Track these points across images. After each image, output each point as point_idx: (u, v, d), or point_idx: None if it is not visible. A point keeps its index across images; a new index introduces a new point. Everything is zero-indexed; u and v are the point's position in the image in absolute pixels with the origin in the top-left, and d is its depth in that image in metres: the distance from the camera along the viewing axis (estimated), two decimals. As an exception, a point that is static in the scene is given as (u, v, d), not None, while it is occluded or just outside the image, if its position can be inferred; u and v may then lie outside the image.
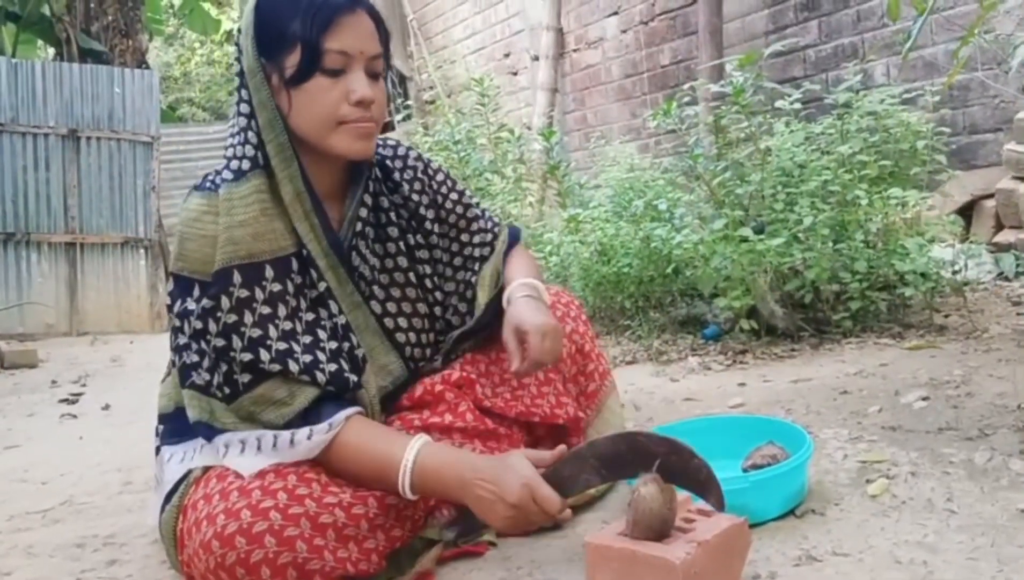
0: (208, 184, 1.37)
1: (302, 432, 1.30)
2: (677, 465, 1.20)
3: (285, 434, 1.31)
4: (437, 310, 1.60)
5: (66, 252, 6.91)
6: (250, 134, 1.37)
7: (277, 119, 1.36)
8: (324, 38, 1.32)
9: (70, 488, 2.15)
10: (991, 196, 3.64)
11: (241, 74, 1.39)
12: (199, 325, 1.32)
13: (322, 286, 1.40)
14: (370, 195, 1.51)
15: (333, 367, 1.37)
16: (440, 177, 1.64)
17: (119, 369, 4.74)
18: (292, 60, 1.33)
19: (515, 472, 1.25)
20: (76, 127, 6.94)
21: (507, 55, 7.38)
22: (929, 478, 1.50)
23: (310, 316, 1.39)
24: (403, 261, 1.55)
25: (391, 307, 1.53)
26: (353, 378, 1.39)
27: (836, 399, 2.08)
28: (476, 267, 1.64)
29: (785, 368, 2.52)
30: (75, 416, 3.27)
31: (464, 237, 1.65)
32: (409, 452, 1.29)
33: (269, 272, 1.35)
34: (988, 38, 3.12)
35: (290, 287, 1.37)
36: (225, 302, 1.31)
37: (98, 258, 7.00)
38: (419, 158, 1.63)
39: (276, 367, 1.31)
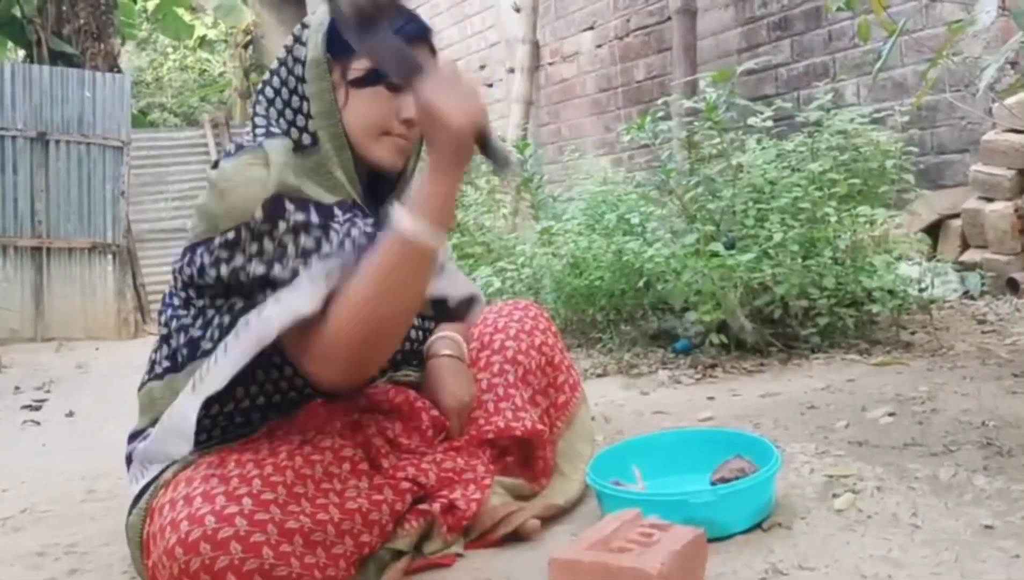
0: (246, 145, 1.39)
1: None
2: None
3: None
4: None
5: (32, 257, 6.80)
6: (288, 108, 1.41)
7: (334, 109, 1.40)
8: None
9: (31, 496, 2.11)
10: (958, 216, 3.69)
11: (296, 60, 1.42)
12: (254, 247, 1.29)
13: (369, 225, 1.40)
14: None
15: None
16: None
17: (84, 376, 4.67)
18: (360, 64, 1.39)
19: (419, 114, 1.25)
20: (45, 130, 6.84)
21: (482, 67, 7.39)
22: (894, 493, 1.52)
23: None
24: None
25: None
26: None
27: (804, 414, 2.10)
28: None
29: (754, 382, 2.53)
30: (38, 423, 3.22)
31: None
32: (402, 222, 1.25)
33: (314, 210, 1.34)
34: (956, 60, 3.17)
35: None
36: (282, 225, 1.30)
37: (65, 263, 6.89)
38: None
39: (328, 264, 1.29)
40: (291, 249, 1.30)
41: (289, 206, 1.32)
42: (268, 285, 1.30)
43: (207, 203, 1.34)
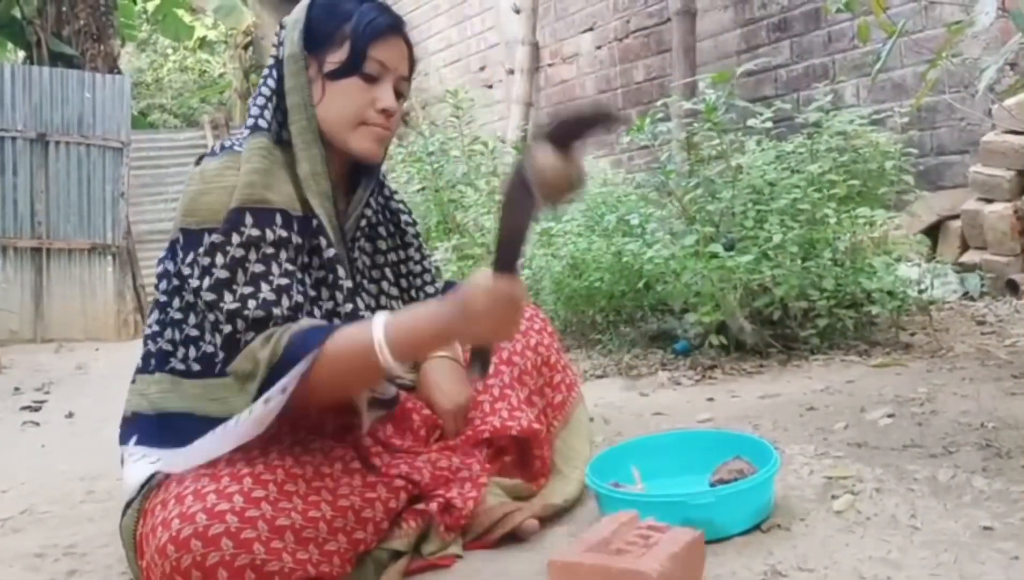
0: (227, 147, 1.42)
1: (258, 404, 1.28)
2: (570, 123, 1.25)
3: (244, 414, 1.29)
4: None
5: (32, 258, 6.80)
6: (270, 104, 1.44)
7: (307, 104, 1.43)
8: (371, 46, 1.42)
9: (31, 497, 2.11)
10: (957, 217, 3.69)
11: (277, 59, 1.46)
12: (207, 261, 1.33)
13: (331, 252, 1.43)
14: (373, 198, 1.57)
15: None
16: (403, 204, 1.68)
17: (84, 377, 4.67)
18: (336, 57, 1.42)
19: (470, 287, 1.25)
20: (45, 131, 6.85)
21: (482, 68, 7.39)
22: (893, 495, 1.52)
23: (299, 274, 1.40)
24: (392, 258, 1.61)
25: (379, 303, 1.56)
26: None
27: (803, 415, 2.10)
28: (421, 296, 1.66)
29: (753, 384, 2.53)
30: (37, 424, 3.22)
31: (416, 267, 1.66)
32: (376, 331, 1.27)
33: (278, 219, 1.37)
34: (955, 61, 3.17)
35: (294, 239, 1.39)
36: (235, 238, 1.33)
37: (65, 264, 6.89)
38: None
39: (275, 300, 1.32)
40: (240, 275, 1.32)
41: (248, 219, 1.34)
42: (216, 309, 1.32)
43: (182, 200, 1.39)
